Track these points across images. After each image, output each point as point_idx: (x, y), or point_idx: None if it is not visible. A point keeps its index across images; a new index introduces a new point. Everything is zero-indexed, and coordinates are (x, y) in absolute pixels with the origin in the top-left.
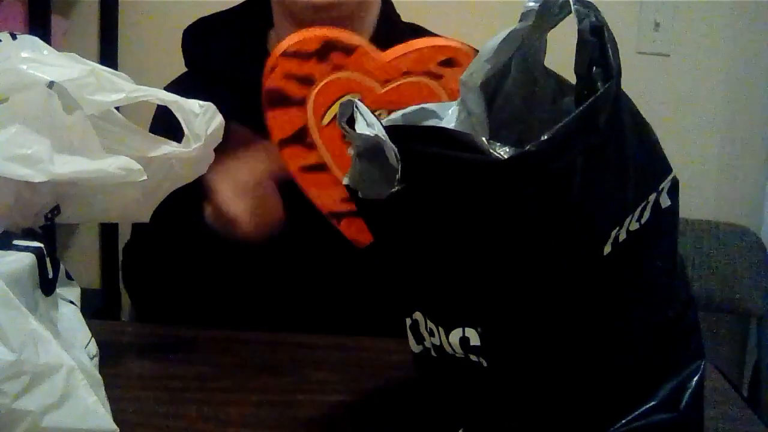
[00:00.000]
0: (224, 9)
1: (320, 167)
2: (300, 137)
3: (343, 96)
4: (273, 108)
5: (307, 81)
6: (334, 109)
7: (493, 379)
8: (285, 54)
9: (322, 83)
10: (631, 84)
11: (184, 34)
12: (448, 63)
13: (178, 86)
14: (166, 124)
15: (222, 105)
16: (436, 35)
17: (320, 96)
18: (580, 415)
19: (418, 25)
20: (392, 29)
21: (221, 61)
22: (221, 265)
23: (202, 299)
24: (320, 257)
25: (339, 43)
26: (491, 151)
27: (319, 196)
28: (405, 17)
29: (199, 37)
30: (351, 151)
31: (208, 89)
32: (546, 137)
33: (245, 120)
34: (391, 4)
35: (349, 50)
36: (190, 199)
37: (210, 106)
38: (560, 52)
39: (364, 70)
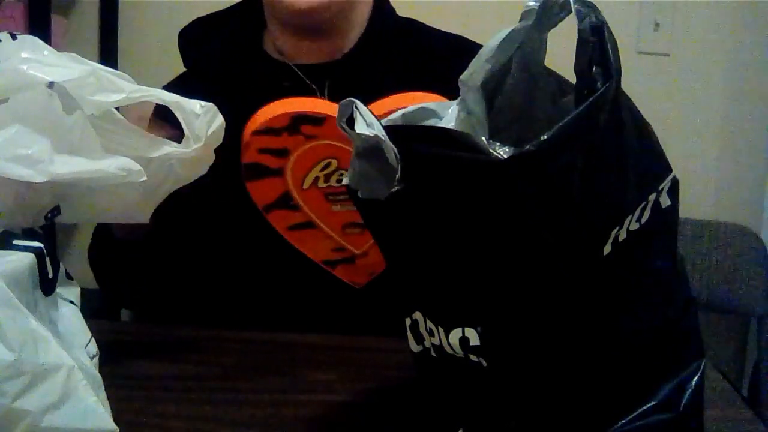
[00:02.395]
0: (220, 9)
1: (307, 225)
2: (283, 202)
3: (320, 162)
4: (253, 180)
5: (283, 153)
6: (314, 173)
7: (493, 379)
8: (256, 132)
9: (297, 153)
10: (631, 84)
11: (179, 35)
12: None
13: (177, 86)
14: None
15: (218, 106)
16: (431, 29)
17: (297, 164)
18: (580, 415)
19: (413, 20)
20: (385, 25)
21: (217, 62)
22: (221, 264)
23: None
24: None
25: (308, 115)
26: (491, 151)
27: (310, 249)
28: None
29: (195, 38)
30: (336, 207)
31: (205, 89)
32: (546, 137)
33: (240, 120)
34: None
35: (319, 120)
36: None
37: (211, 106)
38: (560, 52)
39: (338, 137)
